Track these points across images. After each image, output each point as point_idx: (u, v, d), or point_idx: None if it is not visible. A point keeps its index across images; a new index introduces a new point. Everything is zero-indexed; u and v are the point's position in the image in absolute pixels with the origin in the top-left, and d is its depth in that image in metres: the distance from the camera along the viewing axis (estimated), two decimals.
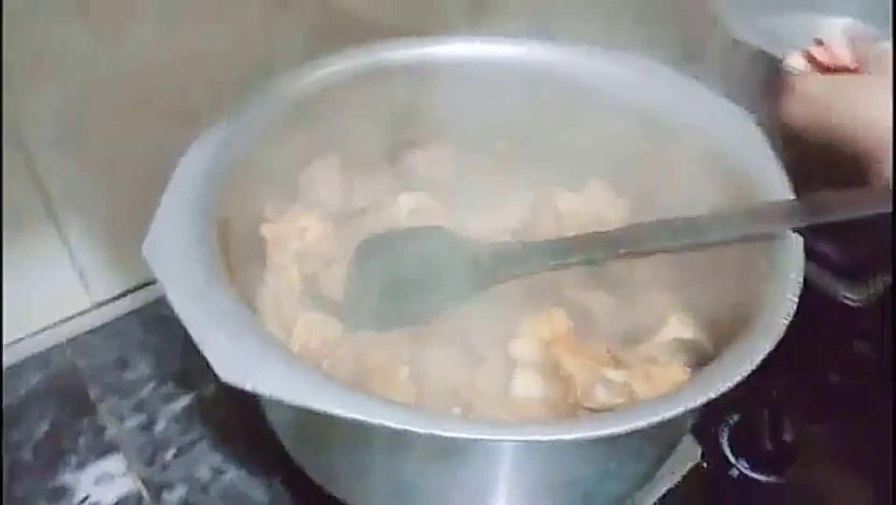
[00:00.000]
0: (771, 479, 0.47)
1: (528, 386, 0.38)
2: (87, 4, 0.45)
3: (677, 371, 0.35)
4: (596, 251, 0.38)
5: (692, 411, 0.29)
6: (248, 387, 0.28)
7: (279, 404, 0.28)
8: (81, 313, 0.56)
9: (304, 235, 0.42)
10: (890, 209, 0.40)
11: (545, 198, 0.47)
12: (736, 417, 0.49)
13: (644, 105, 0.45)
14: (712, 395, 0.29)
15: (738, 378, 0.30)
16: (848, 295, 0.55)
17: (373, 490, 0.38)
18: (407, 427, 0.27)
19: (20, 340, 0.54)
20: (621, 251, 0.38)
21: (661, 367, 0.35)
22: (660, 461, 0.39)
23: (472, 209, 0.47)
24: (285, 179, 0.46)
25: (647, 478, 0.39)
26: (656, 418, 0.28)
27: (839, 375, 0.52)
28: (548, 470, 0.33)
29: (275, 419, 0.40)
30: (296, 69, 0.46)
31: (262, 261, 0.43)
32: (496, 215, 0.47)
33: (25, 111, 0.46)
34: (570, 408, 0.36)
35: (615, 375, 0.35)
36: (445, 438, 0.27)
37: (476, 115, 0.49)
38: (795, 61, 0.45)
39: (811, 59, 0.45)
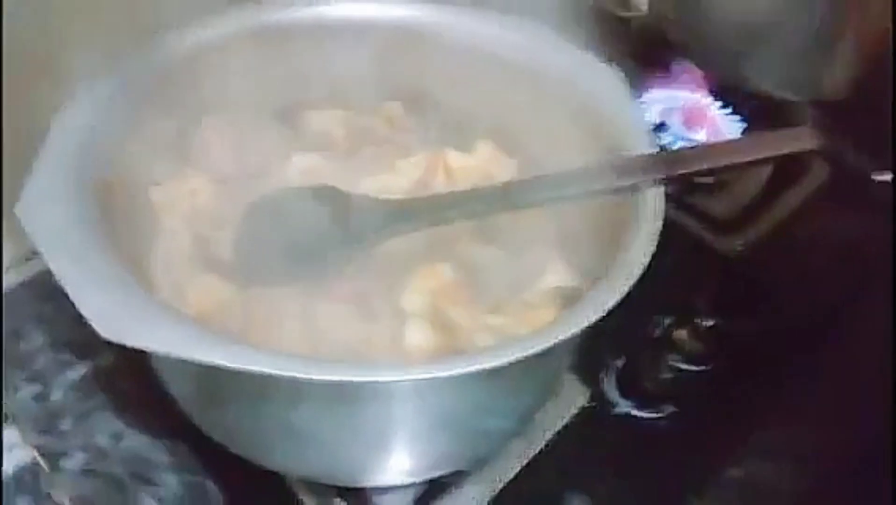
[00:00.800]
0: (652, 415, 0.51)
1: (418, 337, 0.39)
2: None
3: (550, 313, 0.37)
4: (476, 206, 0.40)
5: (553, 348, 0.31)
6: (129, 342, 0.28)
7: (169, 362, 0.29)
8: None
9: (195, 198, 0.42)
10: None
11: (436, 158, 0.48)
12: (620, 362, 0.53)
13: (527, 66, 0.47)
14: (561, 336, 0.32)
15: (594, 317, 0.32)
16: (727, 246, 0.60)
17: (269, 444, 0.39)
18: (292, 374, 0.29)
19: None
20: (499, 206, 0.40)
21: (535, 310, 0.38)
22: (542, 397, 0.42)
23: (365, 170, 0.48)
24: (173, 141, 0.46)
25: (530, 414, 0.42)
26: (524, 354, 0.30)
27: (713, 318, 0.56)
28: (433, 409, 0.35)
29: (169, 380, 0.40)
30: (182, 28, 0.46)
31: (152, 226, 0.42)
32: (389, 176, 0.48)
33: None
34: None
35: (495, 321, 0.38)
36: (328, 382, 0.29)
37: (367, 76, 0.50)
38: None
39: None
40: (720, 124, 0.65)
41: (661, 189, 0.38)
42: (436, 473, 0.43)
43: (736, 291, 0.59)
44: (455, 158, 0.48)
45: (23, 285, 0.55)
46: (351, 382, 0.29)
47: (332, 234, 0.41)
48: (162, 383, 0.42)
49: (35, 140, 0.37)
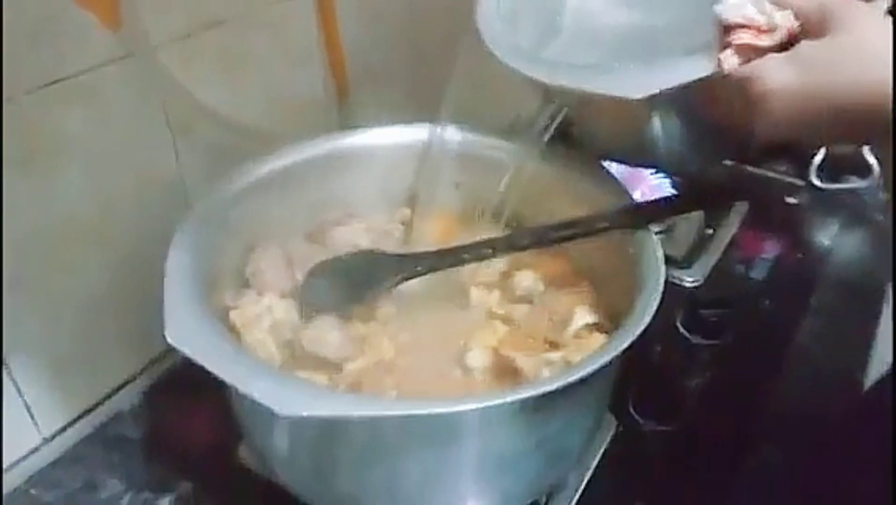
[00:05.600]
0: (668, 427, 0.59)
1: (487, 386, 0.47)
2: (24, 158, 0.50)
3: (599, 339, 0.46)
4: (482, 250, 0.51)
5: (613, 362, 0.40)
6: (304, 413, 0.35)
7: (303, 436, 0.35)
8: (36, 450, 0.57)
9: (273, 313, 0.49)
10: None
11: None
12: (635, 388, 0.62)
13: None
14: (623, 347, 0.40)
15: (637, 333, 0.41)
16: (687, 278, 0.71)
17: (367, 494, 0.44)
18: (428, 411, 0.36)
19: None
20: (501, 248, 0.51)
21: (587, 339, 0.47)
22: (600, 419, 0.50)
23: None
24: (234, 273, 0.53)
25: (595, 431, 0.50)
26: (589, 369, 0.39)
27: (696, 336, 0.67)
28: (504, 439, 0.42)
29: (281, 464, 0.45)
30: (224, 182, 0.54)
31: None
32: None
33: None
34: None
35: (554, 356, 0.46)
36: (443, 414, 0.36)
37: (378, 190, 0.60)
38: (729, 62, 0.39)
39: (742, 49, 0.39)
40: (653, 186, 0.78)
41: (658, 241, 0.48)
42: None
43: (704, 316, 0.70)
44: None
45: (85, 440, 0.58)
46: (446, 414, 0.36)
47: (370, 277, 0.51)
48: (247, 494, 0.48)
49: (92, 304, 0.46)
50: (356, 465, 0.42)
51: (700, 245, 0.76)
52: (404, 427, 0.39)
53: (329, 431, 0.40)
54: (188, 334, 0.39)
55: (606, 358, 0.40)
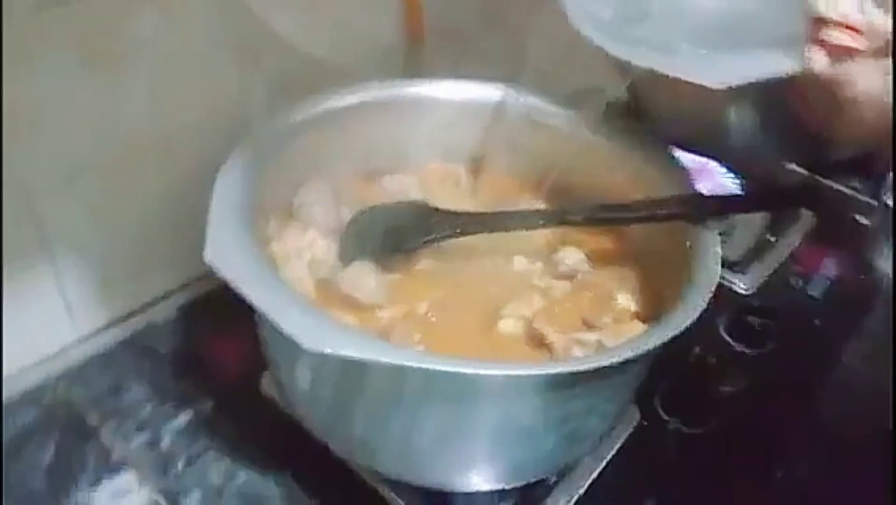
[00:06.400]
0: (697, 431, 0.58)
1: (514, 355, 0.46)
2: (89, 60, 0.50)
3: (638, 326, 0.45)
4: (531, 219, 0.50)
5: (649, 353, 0.38)
6: (327, 350, 0.34)
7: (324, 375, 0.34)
8: (70, 346, 0.58)
9: (313, 249, 0.49)
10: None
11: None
12: (665, 385, 0.60)
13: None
14: (661, 341, 0.39)
15: (681, 328, 0.40)
16: (739, 283, 0.69)
17: (380, 445, 0.44)
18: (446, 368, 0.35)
19: (13, 376, 0.56)
20: (551, 220, 0.50)
21: (625, 324, 0.45)
22: (624, 407, 0.49)
23: None
24: (280, 205, 0.53)
25: (617, 420, 0.49)
26: (624, 356, 0.37)
27: (740, 344, 0.64)
28: (524, 410, 0.41)
29: (303, 401, 0.46)
30: (283, 114, 0.53)
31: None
32: None
33: (30, 156, 0.50)
34: None
35: (588, 336, 0.45)
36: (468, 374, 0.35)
37: (436, 143, 0.59)
38: (818, 61, 0.38)
39: (835, 49, 0.38)
40: (719, 183, 0.75)
41: (718, 238, 0.46)
42: (522, 481, 0.48)
43: (749, 323, 0.68)
44: None
45: (119, 344, 0.60)
46: (467, 375, 0.36)
47: (415, 228, 0.51)
48: (265, 421, 0.49)
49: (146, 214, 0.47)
50: (373, 411, 0.42)
51: (758, 251, 0.72)
52: (426, 381, 0.38)
53: (350, 372, 0.39)
54: (226, 257, 0.39)
55: (644, 349, 0.39)
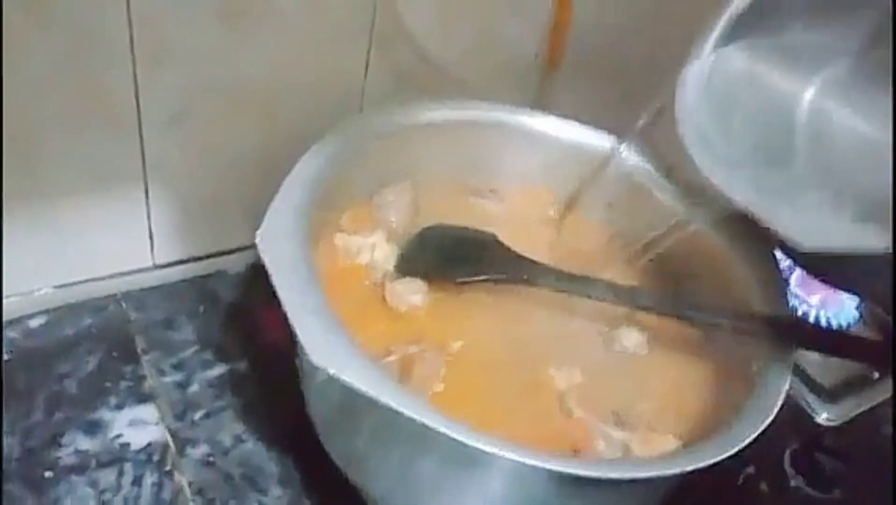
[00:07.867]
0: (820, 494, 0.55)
1: (544, 424, 0.44)
2: (224, 12, 0.52)
3: (671, 441, 0.41)
4: (608, 294, 0.47)
5: (666, 479, 0.35)
6: (331, 372, 0.33)
7: (330, 391, 0.33)
8: (142, 271, 0.61)
9: (374, 251, 0.48)
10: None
11: None
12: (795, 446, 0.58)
13: None
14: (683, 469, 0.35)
15: (712, 461, 0.36)
16: (823, 413, 0.62)
17: (382, 478, 0.43)
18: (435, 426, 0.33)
19: (82, 281, 0.59)
20: (611, 298, 0.47)
21: (658, 434, 0.41)
22: None
23: None
24: (362, 196, 0.52)
25: None
26: (642, 475, 0.34)
27: (800, 480, 0.58)
28: (518, 492, 0.39)
29: (316, 403, 0.45)
30: (392, 107, 0.53)
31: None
32: None
33: (147, 86, 0.52)
34: (572, 452, 0.42)
35: (617, 433, 0.42)
36: (467, 444, 0.33)
37: (531, 179, 0.57)
38: None
39: None
40: (833, 293, 0.68)
41: (789, 377, 0.41)
42: None
43: (819, 461, 0.61)
44: None
45: (185, 282, 0.62)
46: (459, 442, 0.34)
47: (478, 261, 0.50)
48: (288, 399, 0.48)
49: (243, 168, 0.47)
50: (372, 440, 0.41)
51: (855, 384, 0.65)
52: (424, 433, 0.37)
53: (354, 398, 0.38)
54: (274, 242, 0.39)
55: (670, 472, 0.36)
